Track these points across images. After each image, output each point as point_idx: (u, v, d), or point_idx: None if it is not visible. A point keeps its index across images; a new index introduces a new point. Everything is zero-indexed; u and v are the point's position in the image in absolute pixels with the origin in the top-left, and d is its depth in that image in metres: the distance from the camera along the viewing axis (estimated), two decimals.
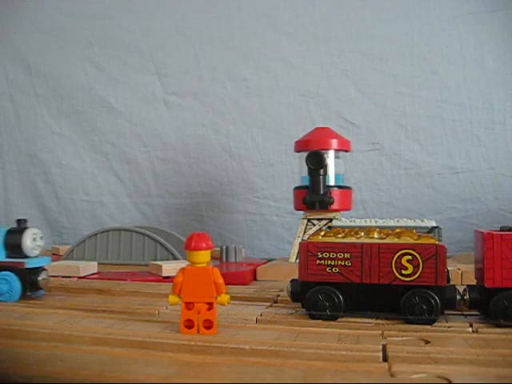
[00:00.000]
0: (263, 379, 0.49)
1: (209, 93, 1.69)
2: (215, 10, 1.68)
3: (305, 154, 1.20)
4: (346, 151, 1.27)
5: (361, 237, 0.71)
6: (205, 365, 0.53)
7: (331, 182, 1.22)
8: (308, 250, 0.71)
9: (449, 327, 0.65)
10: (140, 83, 1.74)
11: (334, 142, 1.23)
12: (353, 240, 0.70)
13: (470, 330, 0.65)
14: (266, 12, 1.65)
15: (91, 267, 1.09)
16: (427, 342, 0.59)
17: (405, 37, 1.57)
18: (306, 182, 1.21)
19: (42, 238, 0.87)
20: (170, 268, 1.04)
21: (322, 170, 1.18)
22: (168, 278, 1.02)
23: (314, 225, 1.23)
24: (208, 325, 0.63)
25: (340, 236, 0.72)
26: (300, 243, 0.73)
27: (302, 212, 1.25)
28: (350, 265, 0.69)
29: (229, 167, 1.68)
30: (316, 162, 1.17)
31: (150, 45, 1.73)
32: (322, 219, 1.22)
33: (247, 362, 0.53)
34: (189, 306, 0.63)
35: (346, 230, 0.74)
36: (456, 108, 1.54)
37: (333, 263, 0.70)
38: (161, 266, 1.05)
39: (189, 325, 0.63)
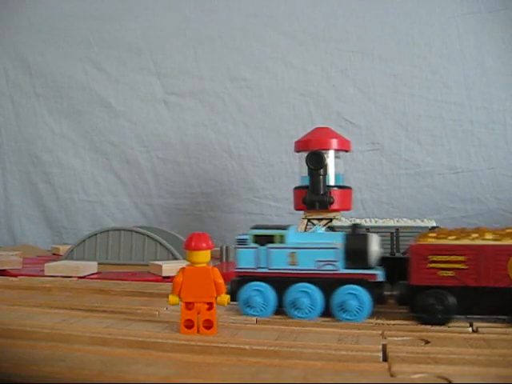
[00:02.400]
0: (263, 379, 0.49)
1: (209, 93, 1.69)
2: (215, 10, 1.68)
3: (305, 154, 1.20)
4: (346, 151, 1.27)
5: (474, 238, 0.68)
6: (205, 365, 0.53)
7: (331, 182, 1.22)
8: (419, 253, 0.68)
9: (449, 327, 0.65)
10: (140, 83, 1.74)
11: (334, 142, 1.23)
12: (467, 242, 0.68)
13: (470, 329, 0.65)
14: (266, 12, 1.65)
15: (91, 267, 1.08)
16: (427, 342, 0.59)
17: (405, 37, 1.57)
18: (306, 182, 1.21)
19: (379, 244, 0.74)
20: (169, 268, 1.04)
21: (322, 170, 1.18)
22: (168, 278, 1.02)
23: (314, 225, 1.23)
24: (208, 325, 0.63)
25: (452, 238, 0.69)
26: (410, 246, 0.70)
27: (302, 212, 1.25)
28: (466, 267, 0.67)
29: (229, 167, 1.68)
30: (316, 162, 1.17)
31: (150, 45, 1.73)
32: (322, 219, 1.22)
33: (247, 362, 0.53)
34: (189, 305, 0.63)
35: (456, 230, 0.71)
36: (456, 108, 1.54)
37: (446, 266, 0.67)
38: (161, 266, 1.05)
39: (189, 325, 0.63)
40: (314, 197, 1.18)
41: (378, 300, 0.70)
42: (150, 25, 1.72)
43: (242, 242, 0.73)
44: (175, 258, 1.18)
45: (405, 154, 1.56)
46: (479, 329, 0.64)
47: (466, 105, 1.53)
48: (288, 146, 1.41)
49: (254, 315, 0.70)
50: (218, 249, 1.30)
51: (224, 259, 1.28)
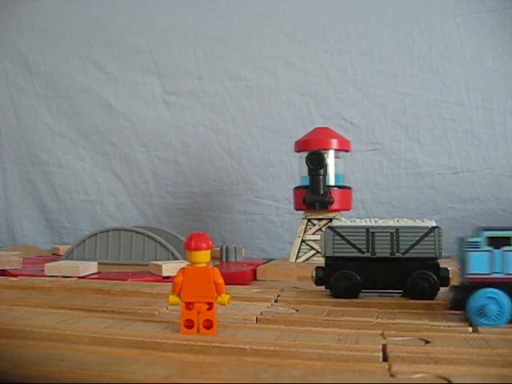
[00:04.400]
0: (263, 379, 0.49)
1: (209, 93, 1.69)
2: (215, 9, 1.68)
3: (305, 154, 1.20)
4: (346, 151, 1.27)
5: None
6: (205, 365, 0.53)
7: (331, 182, 1.22)
8: None
9: (449, 327, 0.65)
10: (140, 83, 1.74)
11: (334, 142, 1.23)
12: None
13: (470, 329, 0.65)
14: (266, 12, 1.65)
15: (91, 267, 1.08)
16: (427, 342, 0.59)
17: (405, 37, 1.57)
18: (306, 182, 1.21)
19: None
20: (169, 268, 1.04)
21: (322, 170, 1.18)
22: (168, 278, 1.02)
23: (314, 225, 1.23)
24: (208, 325, 0.63)
25: None
26: None
27: (302, 212, 1.25)
28: None
29: (229, 167, 1.68)
30: (316, 162, 1.17)
31: (150, 45, 1.73)
32: (322, 219, 1.22)
33: (247, 362, 0.53)
34: (189, 306, 0.63)
35: None
36: (456, 108, 1.54)
37: None
38: (161, 266, 1.05)
39: (189, 325, 0.63)
40: (314, 197, 1.18)
41: None
42: (150, 25, 1.73)
43: (473, 244, 0.67)
44: (175, 258, 1.18)
45: (405, 154, 1.57)
46: (479, 329, 0.64)
47: (466, 105, 1.53)
48: (288, 146, 1.41)
49: (488, 325, 0.66)
50: (218, 249, 1.30)
51: (224, 259, 1.28)
